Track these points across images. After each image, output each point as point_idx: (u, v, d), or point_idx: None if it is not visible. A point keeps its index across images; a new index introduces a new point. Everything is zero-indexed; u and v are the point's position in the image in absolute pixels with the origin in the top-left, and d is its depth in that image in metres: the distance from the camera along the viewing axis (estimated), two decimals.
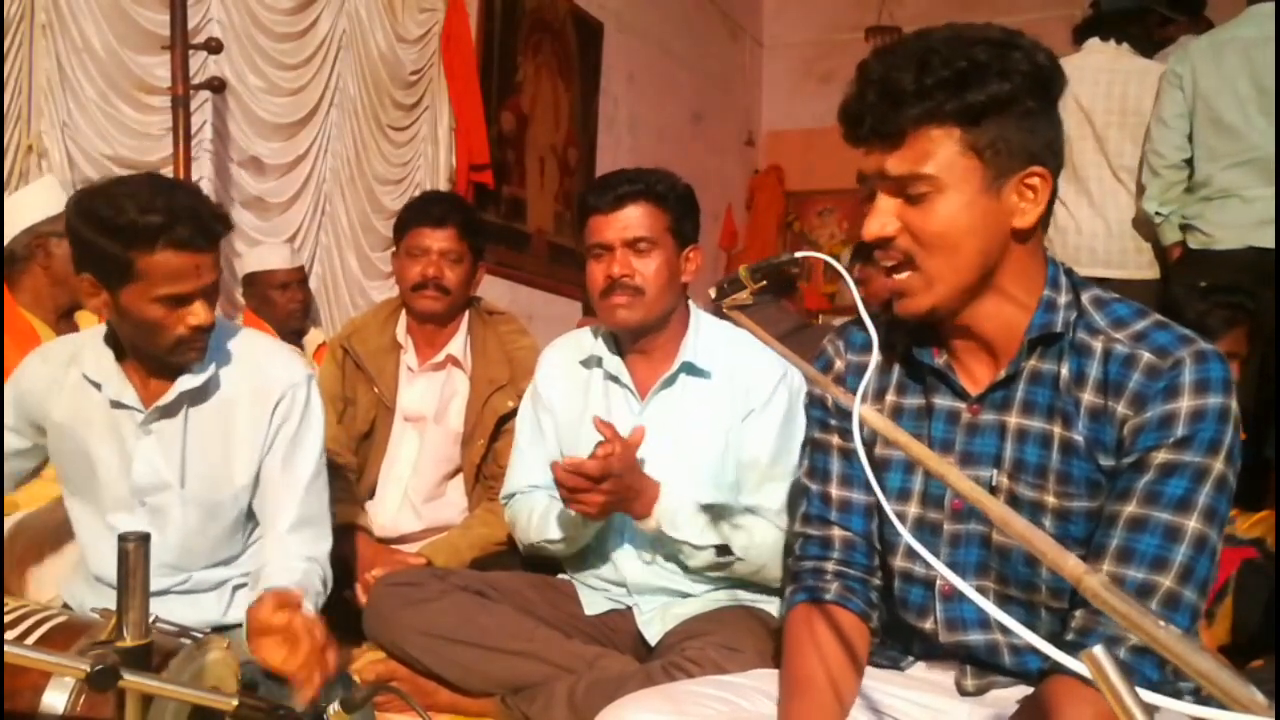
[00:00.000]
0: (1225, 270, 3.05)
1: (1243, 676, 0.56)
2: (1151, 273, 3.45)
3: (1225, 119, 3.15)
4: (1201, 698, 1.11)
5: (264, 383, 1.70)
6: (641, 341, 1.93)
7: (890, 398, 1.29)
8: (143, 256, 1.49)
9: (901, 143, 1.11)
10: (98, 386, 1.65)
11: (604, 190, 1.88)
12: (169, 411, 1.66)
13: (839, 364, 1.35)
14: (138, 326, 1.56)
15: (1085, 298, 1.20)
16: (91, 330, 1.76)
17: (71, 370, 1.68)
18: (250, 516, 1.75)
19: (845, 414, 1.31)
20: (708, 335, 1.92)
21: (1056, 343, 1.18)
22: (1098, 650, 0.59)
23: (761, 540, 1.81)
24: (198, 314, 1.55)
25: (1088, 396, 1.15)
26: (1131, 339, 1.15)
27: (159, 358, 1.61)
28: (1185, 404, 1.10)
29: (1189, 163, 3.25)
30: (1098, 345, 1.16)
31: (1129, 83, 3.41)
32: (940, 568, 0.78)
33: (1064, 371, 1.17)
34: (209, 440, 1.68)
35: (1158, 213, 3.29)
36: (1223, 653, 2.22)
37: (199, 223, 1.52)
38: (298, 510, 1.69)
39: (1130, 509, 1.11)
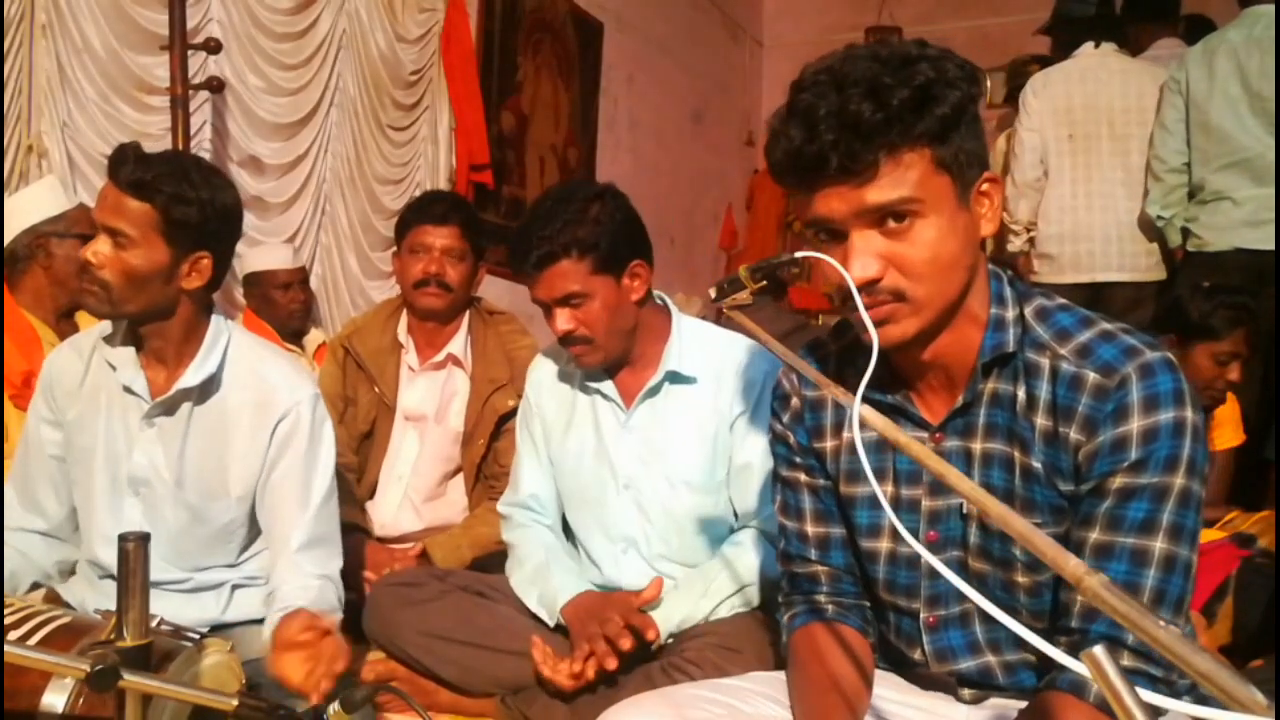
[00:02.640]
0: (1218, 272, 3.06)
1: (1243, 676, 0.56)
2: (1159, 274, 3.46)
3: (1214, 122, 3.18)
4: (1201, 698, 1.11)
5: (268, 398, 1.69)
6: (620, 364, 1.91)
7: (847, 433, 1.27)
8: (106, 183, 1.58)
9: (875, 174, 1.05)
10: (114, 368, 1.67)
11: (523, 252, 1.80)
12: (170, 408, 1.67)
13: (795, 400, 1.32)
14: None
15: (1029, 311, 1.16)
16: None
17: (96, 354, 1.71)
18: (247, 528, 1.74)
19: (808, 450, 1.30)
20: (691, 340, 1.90)
21: (1009, 362, 1.15)
22: (1098, 650, 0.59)
23: (758, 561, 1.82)
24: (96, 250, 1.57)
25: (1040, 420, 1.13)
26: (1076, 354, 1.11)
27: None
28: (1135, 425, 1.06)
29: (1189, 166, 3.27)
30: (1045, 363, 1.13)
31: (1144, 81, 3.42)
32: (939, 566, 0.78)
33: (1020, 394, 1.14)
34: (208, 443, 1.69)
35: (1160, 216, 3.30)
36: (1223, 653, 2.22)
37: (132, 169, 1.56)
38: (309, 530, 1.68)
39: (1094, 536, 1.09)
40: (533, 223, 1.80)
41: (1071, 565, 0.68)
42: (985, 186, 1.11)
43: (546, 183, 5.04)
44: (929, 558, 0.80)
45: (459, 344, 2.48)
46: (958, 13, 5.72)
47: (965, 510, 1.18)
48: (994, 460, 1.16)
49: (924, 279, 1.08)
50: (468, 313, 2.51)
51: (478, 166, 4.40)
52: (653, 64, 5.96)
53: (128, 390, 1.67)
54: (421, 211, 2.45)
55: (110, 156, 1.60)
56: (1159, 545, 1.07)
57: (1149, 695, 0.61)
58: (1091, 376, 1.09)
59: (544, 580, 1.90)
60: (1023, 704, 1.21)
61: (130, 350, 1.68)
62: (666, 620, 1.78)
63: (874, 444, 1.23)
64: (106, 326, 1.75)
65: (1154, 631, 0.60)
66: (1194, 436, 1.07)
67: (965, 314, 1.14)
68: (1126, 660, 1.06)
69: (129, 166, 1.56)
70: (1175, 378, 1.08)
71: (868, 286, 1.07)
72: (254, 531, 1.76)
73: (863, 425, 0.93)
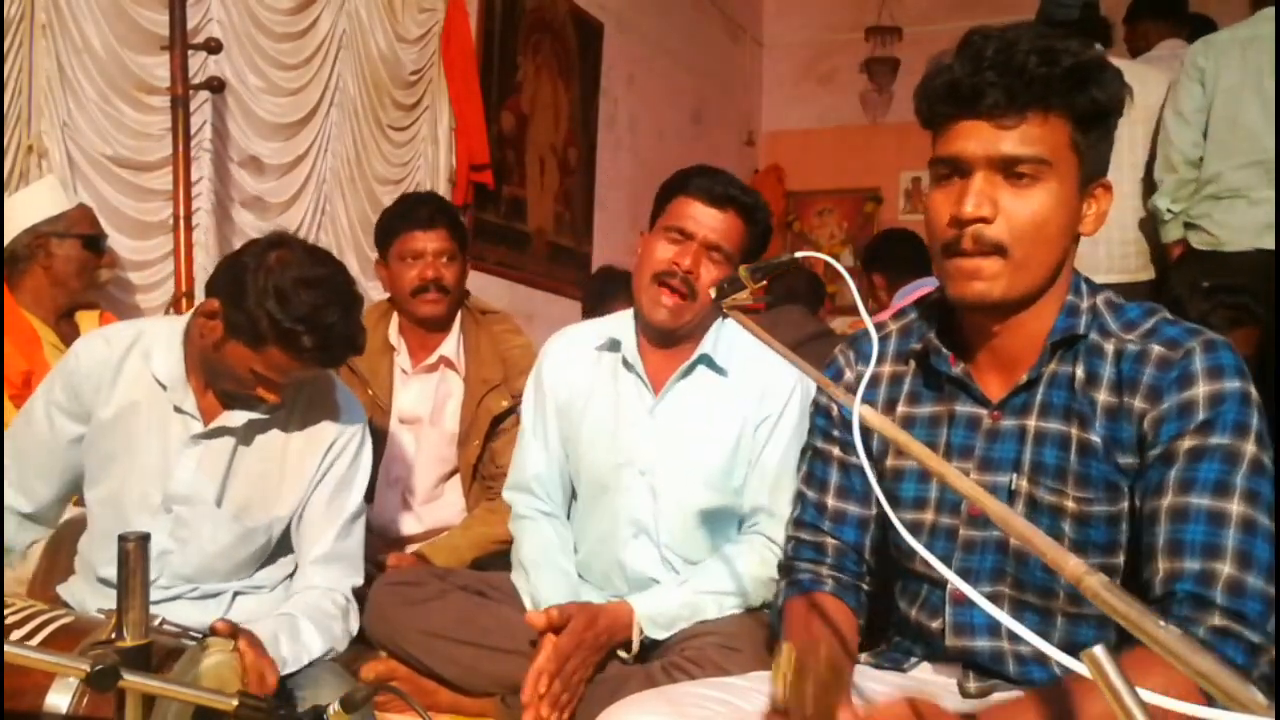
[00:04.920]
0: (1230, 271, 3.04)
1: (1243, 676, 0.56)
2: (1147, 274, 3.45)
3: (1243, 117, 3.10)
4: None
5: (322, 423, 1.73)
6: (665, 340, 1.90)
7: (902, 408, 1.29)
8: (272, 349, 1.53)
9: (1020, 123, 1.10)
10: (163, 386, 1.65)
11: (714, 182, 1.83)
12: (229, 432, 1.67)
13: (849, 374, 1.34)
14: (221, 367, 1.60)
15: (1099, 301, 1.20)
16: (160, 322, 1.76)
17: (132, 357, 1.68)
18: (279, 546, 1.76)
19: (849, 425, 1.32)
20: (728, 335, 1.90)
21: (1074, 345, 1.18)
22: (1098, 650, 0.59)
23: (751, 572, 1.81)
24: (271, 396, 1.60)
25: (1103, 396, 1.15)
26: (1141, 336, 1.16)
27: (215, 387, 1.66)
28: (1201, 389, 1.09)
29: (1202, 159, 3.21)
30: (1109, 347, 1.17)
31: (1132, 81, 3.40)
32: (952, 577, 0.78)
33: (1079, 373, 1.17)
34: (258, 467, 1.69)
35: (1169, 210, 3.23)
36: None
37: (336, 353, 1.60)
38: (329, 546, 1.71)
39: (1168, 501, 1.09)
40: (728, 173, 1.87)
41: (1071, 565, 0.68)
42: (1098, 191, 1.17)
43: (547, 183, 5.04)
44: (925, 554, 0.81)
45: (451, 345, 2.46)
46: (958, 13, 5.71)
47: (1013, 487, 1.19)
48: (1047, 438, 1.18)
49: (1025, 240, 1.12)
50: (459, 313, 2.50)
51: (478, 166, 4.40)
52: (653, 64, 5.96)
53: (177, 409, 1.66)
54: (407, 218, 2.41)
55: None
56: (1236, 507, 1.05)
57: (1150, 696, 0.61)
58: (1156, 349, 1.13)
59: (533, 581, 1.89)
60: None
61: (180, 367, 1.66)
62: (644, 608, 1.76)
63: (929, 418, 1.26)
64: (140, 330, 1.72)
65: (1154, 631, 0.61)
66: (1260, 412, 1.09)
67: (1046, 297, 1.17)
68: (1217, 619, 1.03)
69: None
70: (1237, 357, 1.11)
71: (974, 230, 1.11)
72: (281, 549, 1.77)
73: (864, 427, 0.93)
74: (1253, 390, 1.09)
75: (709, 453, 1.85)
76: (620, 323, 1.95)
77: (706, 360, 1.87)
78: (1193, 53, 3.25)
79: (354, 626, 1.73)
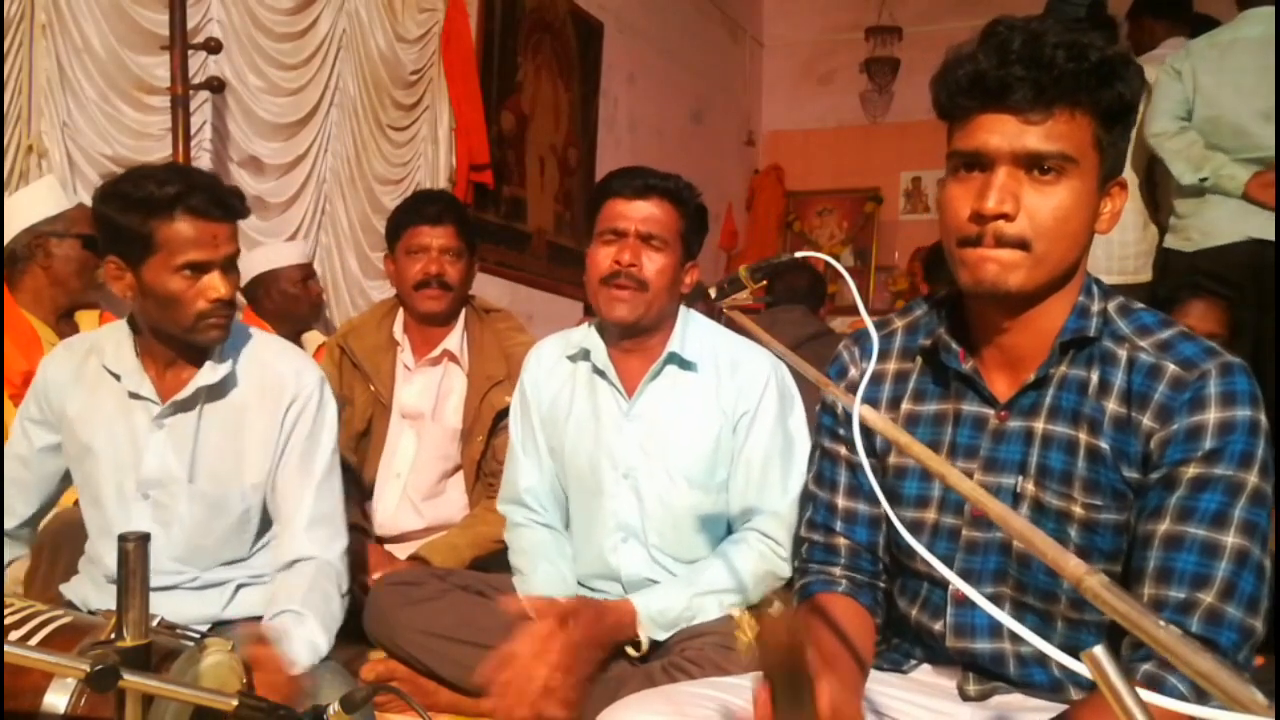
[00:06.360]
0: (1223, 262, 3.04)
1: (1243, 676, 0.56)
2: (1145, 276, 3.45)
3: (1228, 117, 3.12)
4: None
5: (277, 384, 1.74)
6: (631, 340, 1.91)
7: (906, 406, 1.28)
8: (162, 225, 1.55)
9: (1047, 119, 1.08)
10: (116, 377, 1.69)
11: (631, 177, 1.87)
12: (185, 406, 1.69)
13: (853, 371, 1.33)
14: (160, 302, 1.60)
15: (1111, 305, 1.19)
16: (113, 324, 1.80)
17: (90, 360, 1.72)
18: (261, 515, 1.77)
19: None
20: (695, 330, 1.92)
21: (1087, 347, 1.17)
22: (1098, 650, 0.59)
23: (753, 561, 1.82)
24: (217, 286, 1.59)
25: (1112, 405, 1.14)
26: (1156, 348, 1.14)
27: (181, 338, 1.65)
28: (1212, 416, 1.08)
29: (1189, 121, 3.21)
30: (1122, 353, 1.15)
31: None
32: (952, 577, 0.77)
33: (1093, 378, 1.16)
34: (220, 436, 1.71)
35: (1201, 179, 3.18)
36: None
37: (215, 194, 1.59)
38: (311, 508, 1.73)
39: (1164, 527, 1.09)
40: (643, 168, 1.91)
41: (1071, 565, 0.68)
42: (1115, 189, 1.15)
43: (547, 183, 5.04)
44: (924, 553, 0.80)
45: (455, 341, 2.47)
46: (958, 12, 5.70)
47: (1018, 489, 1.18)
48: (1054, 442, 1.17)
49: (1047, 236, 1.10)
50: (464, 310, 2.51)
51: (478, 166, 4.40)
52: (653, 64, 5.95)
53: (134, 396, 1.68)
54: (416, 213, 2.44)
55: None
56: (1231, 539, 1.06)
57: (1150, 696, 0.61)
58: (1171, 368, 1.12)
59: (527, 576, 1.91)
60: (1026, 704, 1.21)
61: (131, 356, 1.69)
62: (646, 607, 1.77)
63: (934, 416, 1.25)
64: (96, 335, 1.77)
65: (1154, 632, 0.60)
66: (1268, 440, 1.09)
67: (1059, 295, 1.16)
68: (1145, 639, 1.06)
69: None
70: (1253, 382, 1.10)
71: (995, 228, 1.10)
72: (267, 520, 1.78)
73: (864, 427, 0.93)
74: (1263, 418, 1.09)
75: (688, 450, 1.86)
76: (589, 331, 1.97)
77: (675, 358, 1.89)
78: (1170, 59, 3.29)
79: (345, 586, 1.76)
